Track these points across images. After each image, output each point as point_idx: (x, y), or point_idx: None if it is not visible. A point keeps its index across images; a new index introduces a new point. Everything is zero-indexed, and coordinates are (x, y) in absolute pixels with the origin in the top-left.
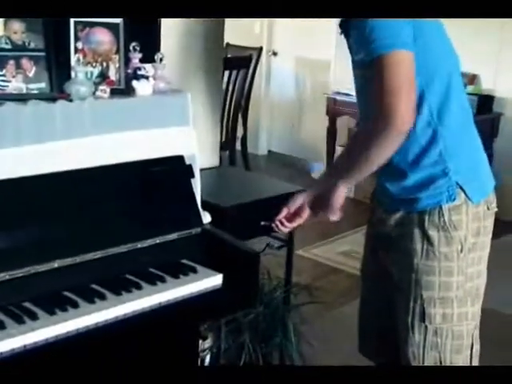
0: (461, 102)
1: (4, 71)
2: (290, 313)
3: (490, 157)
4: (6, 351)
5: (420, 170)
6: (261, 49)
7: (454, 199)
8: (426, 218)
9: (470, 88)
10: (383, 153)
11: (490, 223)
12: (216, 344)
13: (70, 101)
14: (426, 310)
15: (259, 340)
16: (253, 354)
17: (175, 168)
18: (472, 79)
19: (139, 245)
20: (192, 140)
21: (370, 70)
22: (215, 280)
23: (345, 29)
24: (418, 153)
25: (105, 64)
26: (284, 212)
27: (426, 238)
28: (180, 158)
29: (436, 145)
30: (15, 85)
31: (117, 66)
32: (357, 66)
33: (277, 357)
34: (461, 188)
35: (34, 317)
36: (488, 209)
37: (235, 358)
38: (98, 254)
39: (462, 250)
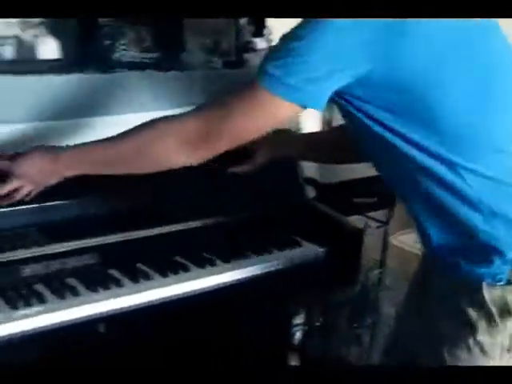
0: None
1: (125, 41)
2: (382, 294)
3: None
4: (123, 307)
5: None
6: None
7: None
8: None
9: None
10: (158, 163)
11: None
12: (308, 320)
13: (183, 71)
14: None
15: (352, 319)
16: (345, 333)
17: None
18: None
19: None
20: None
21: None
22: (318, 254)
23: None
24: None
25: (217, 36)
26: None
27: None
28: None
29: None
30: (133, 54)
31: (229, 38)
32: None
33: (368, 338)
34: None
35: (147, 277)
36: None
37: (327, 335)
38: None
39: None
